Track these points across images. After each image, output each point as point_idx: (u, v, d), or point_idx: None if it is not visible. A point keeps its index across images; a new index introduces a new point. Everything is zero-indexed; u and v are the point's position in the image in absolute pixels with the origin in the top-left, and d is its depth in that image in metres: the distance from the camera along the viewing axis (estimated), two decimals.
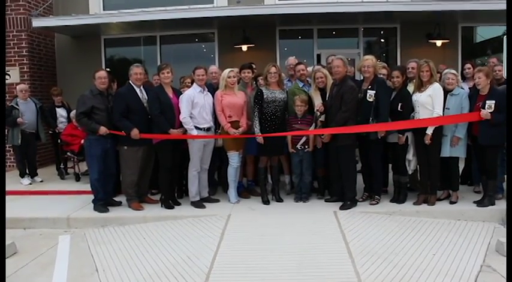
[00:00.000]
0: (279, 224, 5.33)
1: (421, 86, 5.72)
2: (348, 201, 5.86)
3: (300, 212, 5.78)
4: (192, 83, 6.33)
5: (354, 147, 5.99)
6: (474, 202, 5.82)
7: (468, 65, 6.64)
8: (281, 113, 6.09)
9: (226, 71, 6.04)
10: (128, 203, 6.14)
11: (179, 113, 5.89)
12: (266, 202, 6.19)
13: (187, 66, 7.80)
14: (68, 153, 8.03)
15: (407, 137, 5.77)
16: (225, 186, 6.47)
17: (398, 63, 9.66)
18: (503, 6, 5.48)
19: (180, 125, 5.92)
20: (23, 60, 9.53)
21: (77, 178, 7.98)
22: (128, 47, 10.84)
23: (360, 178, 6.21)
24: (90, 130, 5.88)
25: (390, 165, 6.28)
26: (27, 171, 8.08)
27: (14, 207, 6.21)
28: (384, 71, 6.10)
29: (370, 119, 5.66)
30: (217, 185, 6.90)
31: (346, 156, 5.81)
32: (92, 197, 6.11)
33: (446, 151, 5.74)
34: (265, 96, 5.99)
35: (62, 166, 8.40)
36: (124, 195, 6.23)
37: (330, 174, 6.19)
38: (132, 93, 5.96)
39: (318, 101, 6.10)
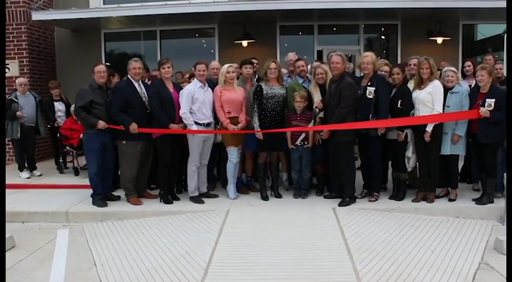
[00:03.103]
0: (278, 220, 5.33)
1: (421, 83, 5.71)
2: (346, 197, 5.86)
3: (298, 208, 5.78)
4: (190, 78, 6.30)
5: (352, 144, 5.99)
6: (473, 200, 5.82)
7: (468, 63, 6.63)
8: (280, 109, 6.08)
9: (225, 66, 6.02)
10: (126, 198, 6.14)
11: (179, 108, 5.88)
12: (265, 198, 6.19)
13: (187, 61, 7.82)
14: (67, 148, 8.02)
15: (406, 134, 5.77)
16: (224, 181, 6.47)
17: (399, 60, 9.67)
18: (504, 4, 5.46)
19: (181, 120, 5.91)
20: (23, 53, 9.52)
21: (76, 172, 7.98)
22: (128, 41, 10.84)
23: (359, 175, 6.21)
24: (89, 124, 5.87)
25: (390, 162, 6.28)
26: (26, 165, 8.08)
27: (12, 201, 6.20)
28: (386, 68, 6.07)
29: (370, 115, 5.66)
30: (216, 181, 6.90)
31: (344, 153, 5.81)
32: (90, 191, 6.10)
33: (447, 149, 5.74)
34: (264, 92, 5.98)
35: (61, 160, 8.40)
36: (123, 189, 6.23)
37: (329, 170, 6.19)
38: (130, 87, 5.94)
39: (317, 97, 6.09)
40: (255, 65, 6.73)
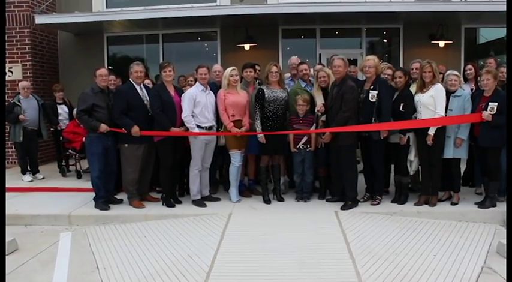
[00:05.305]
0: (280, 224, 5.33)
1: (423, 87, 5.71)
2: (349, 201, 5.86)
3: (301, 212, 5.78)
4: (195, 82, 6.33)
5: (354, 147, 5.98)
6: (475, 203, 5.81)
7: (469, 66, 6.60)
8: (282, 112, 6.09)
9: (228, 69, 6.03)
10: (129, 201, 6.15)
11: (181, 111, 5.89)
12: (267, 201, 6.18)
13: (190, 64, 7.81)
14: (70, 151, 8.04)
15: (409, 138, 5.76)
16: (226, 185, 6.48)
17: (401, 64, 9.69)
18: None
19: (182, 124, 5.92)
20: (26, 57, 9.56)
21: (78, 175, 7.99)
22: (130, 45, 10.85)
23: (361, 178, 6.21)
24: (91, 128, 5.88)
25: (392, 166, 6.26)
26: (28, 168, 8.10)
27: (15, 204, 6.24)
28: (390, 72, 6.08)
29: (373, 119, 5.65)
30: (218, 184, 6.91)
31: (346, 156, 5.81)
32: (93, 194, 6.11)
33: (449, 152, 5.73)
34: (266, 96, 5.99)
35: (63, 163, 8.41)
36: (125, 193, 6.23)
37: (331, 174, 6.19)
38: (132, 91, 5.96)
39: (320, 101, 6.09)
40: (257, 70, 6.74)
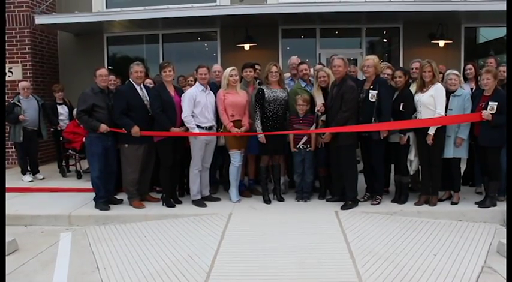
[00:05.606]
0: (280, 223, 5.33)
1: (423, 87, 5.71)
2: (349, 201, 5.85)
3: (301, 212, 5.78)
4: (195, 82, 6.33)
5: (354, 147, 5.98)
6: (476, 203, 5.80)
7: (469, 66, 6.60)
8: (282, 112, 6.10)
9: (228, 69, 6.03)
10: (129, 201, 6.15)
11: (181, 111, 5.90)
12: (267, 201, 6.18)
13: (190, 64, 7.83)
14: (70, 151, 8.05)
15: (409, 137, 5.76)
16: (226, 185, 6.48)
17: (401, 63, 9.69)
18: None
19: (182, 124, 5.92)
20: (26, 57, 9.56)
21: (79, 176, 7.98)
22: (130, 45, 10.85)
23: (361, 178, 6.20)
24: (91, 128, 5.88)
25: (392, 166, 6.26)
26: (28, 169, 8.10)
27: (15, 204, 6.24)
28: (389, 71, 6.08)
29: (372, 119, 5.65)
30: (218, 184, 6.91)
31: (346, 156, 5.81)
32: (93, 194, 6.11)
33: (449, 152, 5.73)
34: (266, 96, 5.99)
35: (63, 163, 8.41)
36: (125, 193, 6.23)
37: (331, 173, 6.19)
38: (132, 91, 5.96)
39: (320, 101, 6.09)
40: (257, 70, 6.74)
